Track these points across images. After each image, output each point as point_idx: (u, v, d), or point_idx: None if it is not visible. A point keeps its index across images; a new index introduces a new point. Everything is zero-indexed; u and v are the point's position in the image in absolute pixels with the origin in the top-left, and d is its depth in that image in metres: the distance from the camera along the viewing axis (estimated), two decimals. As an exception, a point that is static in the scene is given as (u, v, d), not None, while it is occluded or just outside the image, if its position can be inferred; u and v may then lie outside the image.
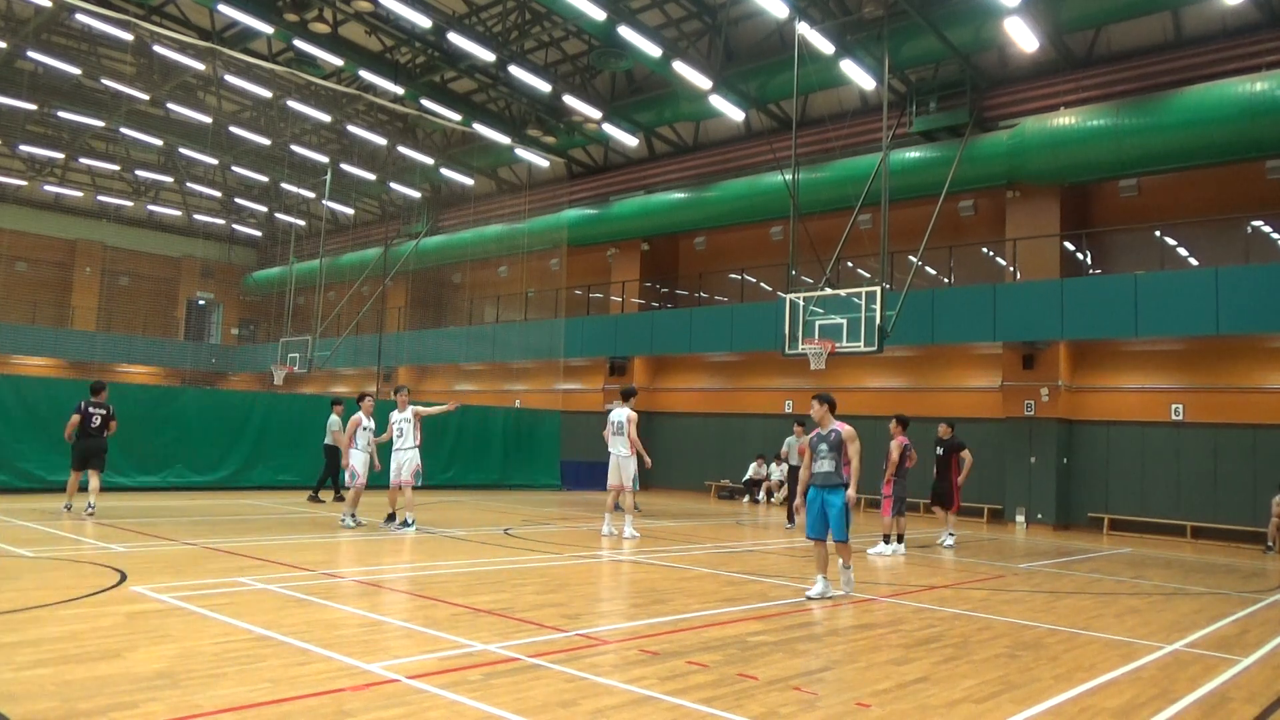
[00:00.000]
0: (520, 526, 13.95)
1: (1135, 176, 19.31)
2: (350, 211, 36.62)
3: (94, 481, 12.09)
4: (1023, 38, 16.92)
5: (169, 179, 36.53)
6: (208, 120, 28.67)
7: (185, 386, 30.96)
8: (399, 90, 24.13)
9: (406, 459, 12.48)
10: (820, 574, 8.54)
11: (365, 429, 12.64)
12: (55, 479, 15.34)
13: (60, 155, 33.79)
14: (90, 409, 12.12)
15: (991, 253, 21.97)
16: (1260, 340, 17.61)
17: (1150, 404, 19.00)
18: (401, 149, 28.96)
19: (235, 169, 33.28)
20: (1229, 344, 17.89)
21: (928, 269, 22.17)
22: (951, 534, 14.11)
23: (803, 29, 17.48)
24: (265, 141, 29.49)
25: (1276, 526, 15.98)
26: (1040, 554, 13.99)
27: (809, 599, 8.27)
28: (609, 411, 13.39)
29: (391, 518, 12.66)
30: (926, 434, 15.73)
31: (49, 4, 21.32)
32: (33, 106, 27.61)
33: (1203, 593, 10.30)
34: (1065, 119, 18.93)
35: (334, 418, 16.08)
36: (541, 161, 28.15)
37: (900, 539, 12.76)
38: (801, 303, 16.89)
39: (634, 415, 12.95)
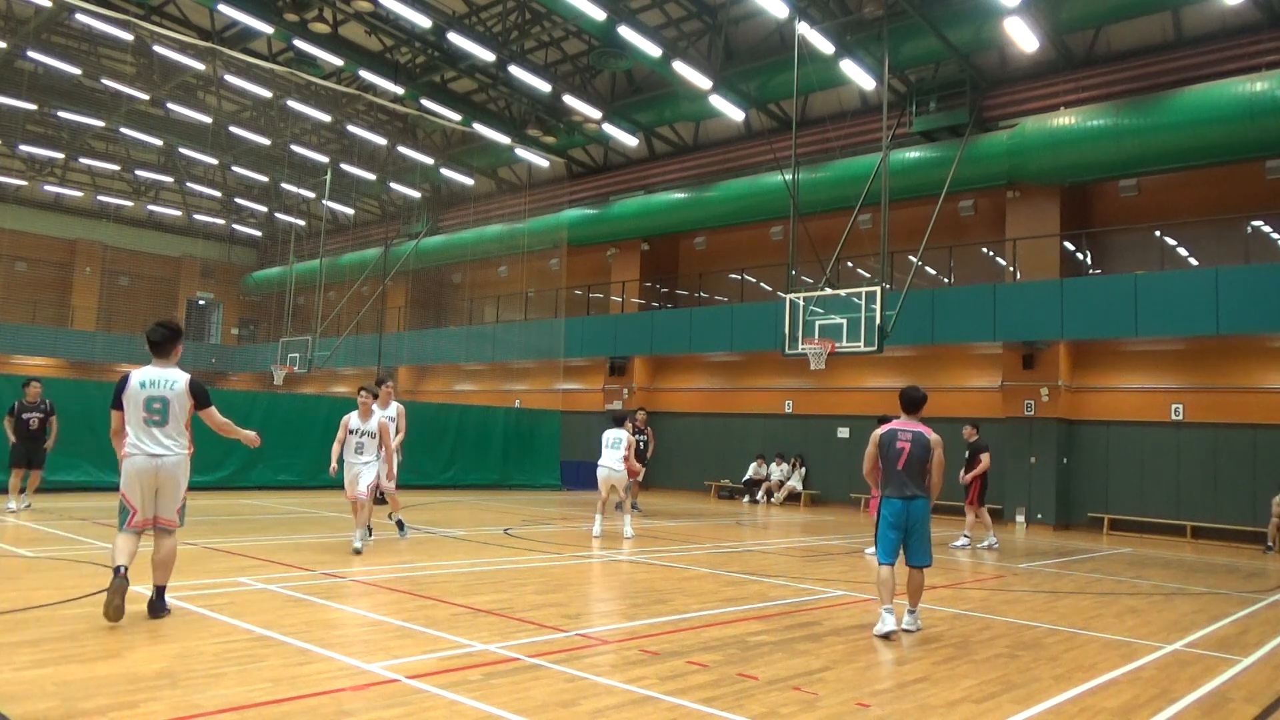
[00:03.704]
0: (520, 526, 13.96)
1: (1135, 176, 19.30)
2: (350, 211, 36.62)
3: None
4: (1023, 38, 16.92)
5: (169, 179, 36.51)
6: (208, 120, 28.66)
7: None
8: (399, 90, 24.13)
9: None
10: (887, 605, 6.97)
11: (354, 432, 10.18)
12: (55, 479, 15.35)
13: (60, 155, 33.77)
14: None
15: (991, 253, 21.97)
16: (1260, 340, 17.61)
17: (1150, 404, 19.00)
18: (401, 149, 28.95)
19: (235, 169, 33.27)
20: (1229, 344, 17.89)
21: (928, 269, 22.17)
22: (966, 535, 14.12)
23: (803, 29, 17.48)
24: (265, 141, 29.48)
25: (1276, 526, 15.99)
26: (1040, 554, 13.99)
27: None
28: (610, 426, 13.45)
29: (400, 525, 11.54)
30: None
31: (49, 4, 21.31)
32: (33, 106, 27.59)
33: (1203, 593, 10.30)
34: (1065, 119, 18.92)
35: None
36: (541, 161, 28.15)
37: None
38: (801, 303, 16.90)
39: (631, 440, 13.12)
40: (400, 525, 11.53)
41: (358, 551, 9.92)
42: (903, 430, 7.17)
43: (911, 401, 7.38)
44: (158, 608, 6.20)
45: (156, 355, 6.33)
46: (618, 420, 13.47)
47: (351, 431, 10.06)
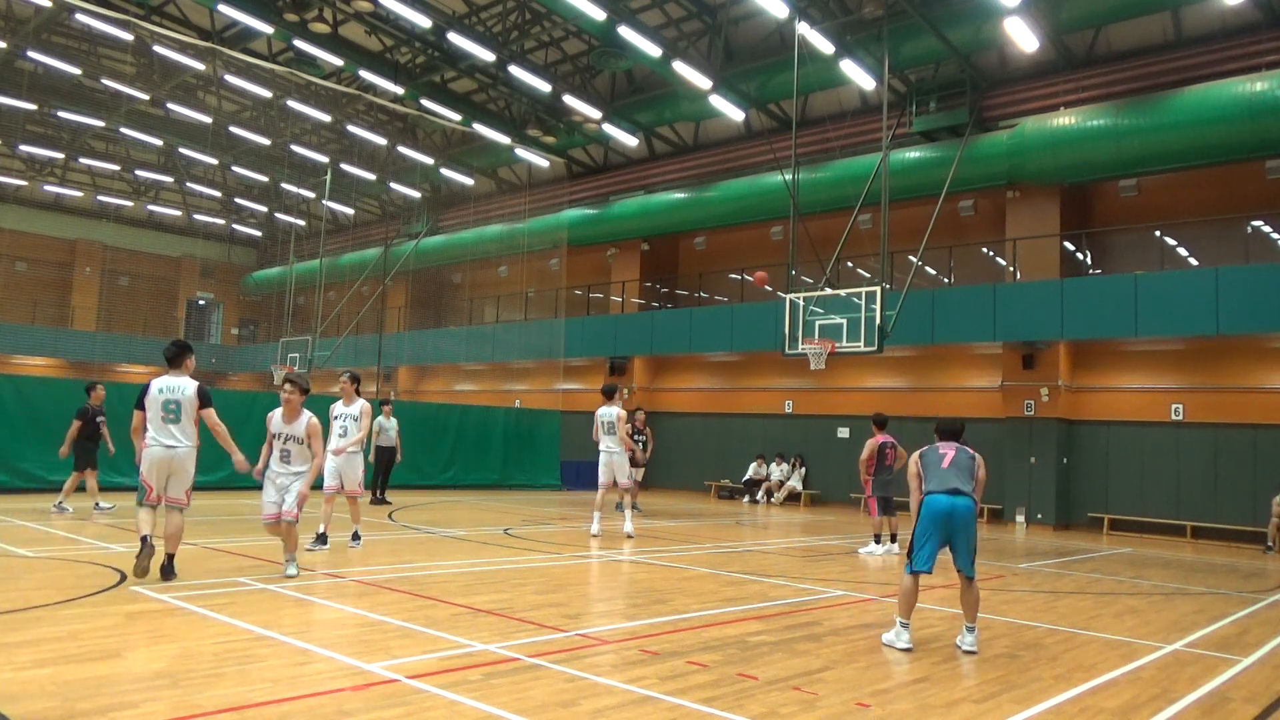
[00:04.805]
0: (520, 526, 13.95)
1: (1135, 176, 19.30)
2: (350, 211, 36.62)
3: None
4: (1023, 38, 16.92)
5: (169, 179, 36.52)
6: (208, 120, 28.67)
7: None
8: (399, 90, 24.13)
9: (349, 463, 10.26)
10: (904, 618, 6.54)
11: (277, 436, 8.32)
12: (56, 479, 15.27)
13: (60, 155, 33.77)
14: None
15: (991, 253, 21.97)
16: (1260, 340, 17.61)
17: (1150, 404, 19.00)
18: (401, 149, 28.96)
19: (235, 169, 33.28)
20: (1229, 344, 17.89)
21: (928, 269, 22.17)
22: None
23: (803, 29, 17.48)
24: (265, 141, 29.48)
25: (1276, 527, 15.99)
26: (1040, 554, 13.99)
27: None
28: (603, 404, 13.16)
29: (322, 538, 10.02)
30: (926, 434, 15.67)
31: (49, 4, 21.31)
32: (33, 106, 27.59)
33: (1203, 593, 10.30)
34: (1065, 119, 18.93)
35: (381, 419, 16.49)
36: (541, 161, 28.15)
37: (893, 538, 12.72)
38: (801, 303, 16.89)
39: (623, 413, 12.81)
40: (323, 538, 9.96)
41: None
42: (944, 445, 6.89)
43: (951, 433, 7.03)
44: (168, 571, 7.55)
45: (171, 366, 7.87)
46: (608, 394, 13.04)
47: (275, 436, 8.10)
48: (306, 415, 8.16)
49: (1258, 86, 16.44)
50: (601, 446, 12.82)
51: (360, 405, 10.37)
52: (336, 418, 10.34)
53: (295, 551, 8.21)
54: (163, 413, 7.57)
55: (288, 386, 8.14)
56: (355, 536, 10.40)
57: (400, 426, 16.90)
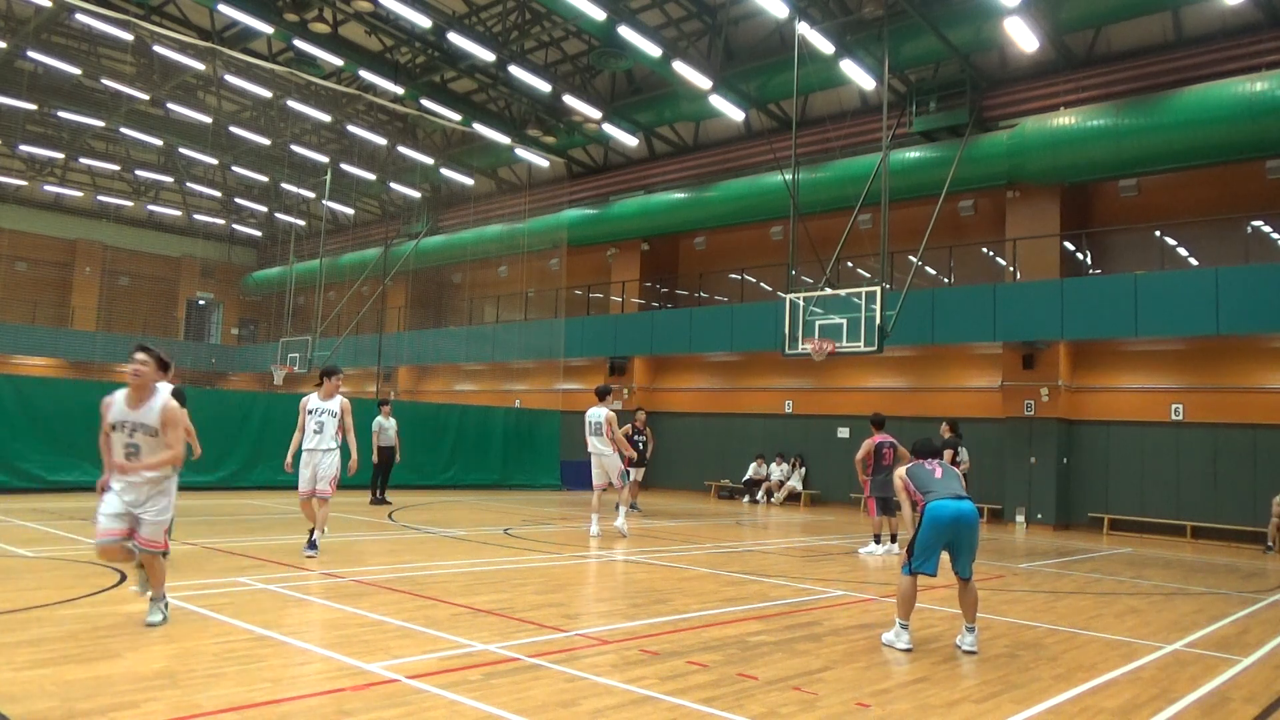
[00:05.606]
0: (520, 526, 13.95)
1: (1135, 176, 19.31)
2: (350, 211, 36.63)
3: None
4: (1023, 38, 16.92)
5: (169, 179, 36.53)
6: (208, 120, 28.67)
7: (185, 386, 30.86)
8: (399, 90, 24.14)
9: (325, 463, 9.56)
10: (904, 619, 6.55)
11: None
12: (55, 479, 15.37)
13: (60, 155, 33.78)
14: None
15: (991, 253, 21.97)
16: (1260, 340, 17.62)
17: (1150, 404, 19.00)
18: (401, 149, 28.97)
19: (235, 169, 33.29)
20: (1229, 344, 17.89)
21: (928, 269, 22.17)
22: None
23: (803, 29, 17.48)
24: (265, 141, 29.49)
25: (1277, 526, 16.00)
26: (1040, 554, 13.99)
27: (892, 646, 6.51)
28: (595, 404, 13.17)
29: (312, 544, 9.50)
30: (925, 435, 15.67)
31: (49, 4, 21.32)
32: (33, 106, 27.60)
33: (1203, 593, 10.30)
34: (1065, 119, 18.93)
35: (380, 419, 16.53)
36: (541, 161, 28.15)
37: (893, 538, 12.71)
38: (801, 303, 16.90)
39: (612, 415, 12.75)
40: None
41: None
42: (928, 462, 6.93)
43: (930, 452, 7.09)
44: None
45: None
46: (600, 395, 13.07)
47: (115, 427, 5.89)
48: (162, 395, 5.84)
49: (1258, 86, 16.44)
50: (590, 448, 12.84)
51: (340, 401, 9.72)
52: (311, 412, 9.60)
53: (162, 589, 6.01)
54: None
55: (139, 356, 5.73)
56: (311, 544, 9.38)
57: (400, 426, 16.93)
